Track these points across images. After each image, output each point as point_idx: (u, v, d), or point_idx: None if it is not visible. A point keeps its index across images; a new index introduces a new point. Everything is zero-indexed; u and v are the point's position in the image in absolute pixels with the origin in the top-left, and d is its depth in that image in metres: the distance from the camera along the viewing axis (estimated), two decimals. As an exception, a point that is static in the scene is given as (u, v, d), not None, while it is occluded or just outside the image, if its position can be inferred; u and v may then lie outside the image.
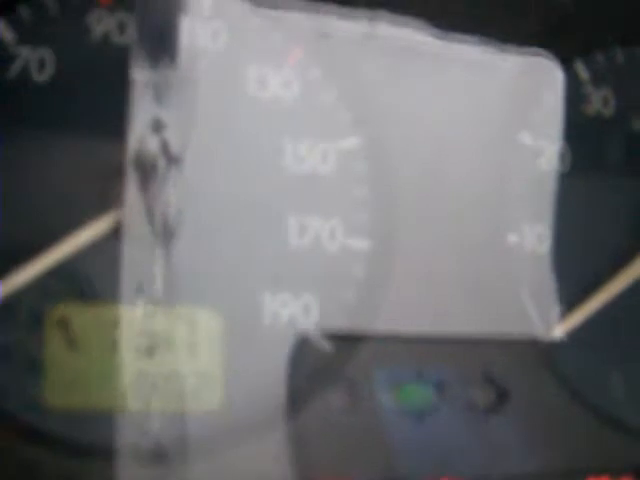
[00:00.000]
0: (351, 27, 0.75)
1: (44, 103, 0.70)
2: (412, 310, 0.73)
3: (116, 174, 0.70)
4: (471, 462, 0.72)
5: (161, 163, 0.70)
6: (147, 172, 0.70)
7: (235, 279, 0.71)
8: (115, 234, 0.70)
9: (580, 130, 0.79)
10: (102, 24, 0.72)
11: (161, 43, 0.72)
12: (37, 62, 0.70)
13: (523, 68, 0.78)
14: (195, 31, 0.73)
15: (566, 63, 0.79)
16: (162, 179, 0.70)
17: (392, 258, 0.72)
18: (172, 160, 0.71)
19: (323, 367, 0.72)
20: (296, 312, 0.72)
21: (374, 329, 0.72)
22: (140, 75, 0.71)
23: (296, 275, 0.72)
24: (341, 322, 0.72)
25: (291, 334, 0.72)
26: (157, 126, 0.71)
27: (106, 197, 0.69)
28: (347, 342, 0.72)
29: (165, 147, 0.71)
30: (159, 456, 0.70)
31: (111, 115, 0.70)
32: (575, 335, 0.77)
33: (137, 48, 0.72)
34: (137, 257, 0.70)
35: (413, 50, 0.76)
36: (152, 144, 0.70)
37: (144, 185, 0.70)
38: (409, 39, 0.76)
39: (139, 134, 0.70)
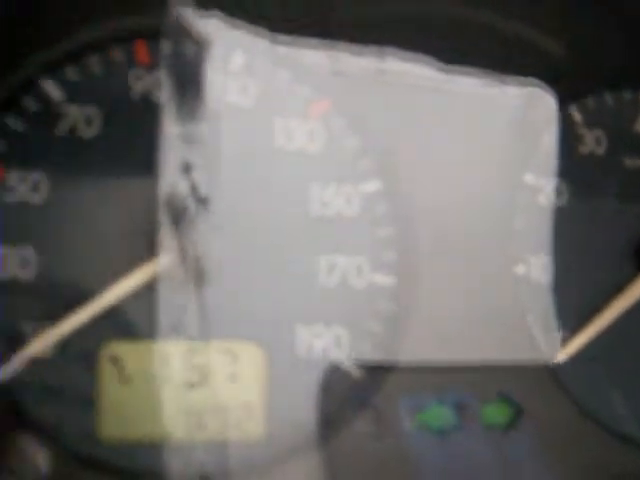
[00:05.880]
0: (363, 64, 0.81)
1: (91, 158, 0.76)
2: (433, 340, 0.79)
3: (154, 225, 0.75)
4: (490, 477, 0.79)
5: (191, 210, 0.76)
6: (179, 220, 0.76)
7: (270, 314, 0.77)
8: (156, 279, 0.75)
9: (576, 168, 0.87)
10: (141, 82, 0.78)
11: (192, 99, 0.78)
12: (84, 119, 0.76)
13: (523, 101, 0.85)
14: (226, 86, 0.79)
15: (561, 107, 0.86)
16: (194, 227, 0.76)
17: (415, 292, 0.79)
18: (202, 205, 0.76)
19: (353, 395, 0.78)
20: (328, 343, 0.78)
21: (399, 359, 0.78)
22: (172, 129, 0.77)
23: (327, 309, 0.78)
24: (369, 352, 0.78)
25: (324, 364, 0.78)
26: (186, 170, 0.77)
27: (148, 246, 0.75)
28: (375, 371, 0.78)
29: (194, 190, 0.76)
30: (204, 483, 0.75)
31: (148, 169, 0.76)
32: (578, 357, 0.84)
33: (169, 104, 0.77)
34: (175, 298, 0.76)
35: (421, 86, 0.82)
36: (182, 188, 0.76)
37: (177, 233, 0.76)
38: (417, 75, 0.81)
39: (170, 183, 0.76)
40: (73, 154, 0.76)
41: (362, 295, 0.78)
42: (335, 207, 0.79)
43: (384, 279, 0.79)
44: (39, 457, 0.72)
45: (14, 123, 0.75)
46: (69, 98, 0.76)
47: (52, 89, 0.76)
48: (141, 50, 0.78)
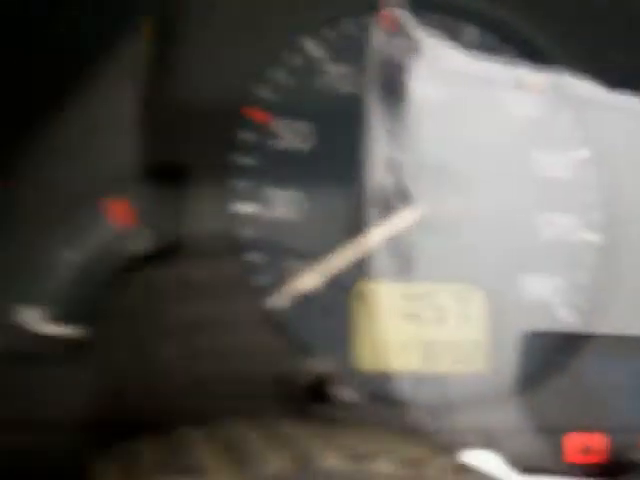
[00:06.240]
0: (541, 79, 0.91)
1: (347, 113, 0.83)
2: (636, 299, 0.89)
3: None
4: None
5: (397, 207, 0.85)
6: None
7: (496, 264, 0.86)
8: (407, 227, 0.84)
9: None
10: (387, 47, 0.85)
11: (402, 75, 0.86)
12: (341, 77, 0.83)
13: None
14: (463, 59, 0.87)
15: None
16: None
17: (620, 250, 0.88)
18: (406, 202, 0.85)
19: (567, 340, 0.87)
20: (546, 292, 0.87)
21: (609, 310, 0.88)
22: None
23: (545, 261, 0.87)
24: (581, 302, 0.88)
25: (542, 310, 0.87)
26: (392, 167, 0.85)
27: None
28: (586, 321, 0.87)
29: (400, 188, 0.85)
30: (434, 410, 0.83)
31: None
32: None
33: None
34: (416, 244, 0.84)
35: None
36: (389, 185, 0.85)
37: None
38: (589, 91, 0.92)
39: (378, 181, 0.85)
40: (333, 107, 0.83)
41: (575, 250, 0.88)
42: (553, 171, 0.88)
43: (593, 237, 0.88)
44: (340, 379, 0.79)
45: (280, 76, 0.82)
46: (329, 56, 0.83)
47: (313, 48, 0.83)
48: (386, 18, 0.85)
